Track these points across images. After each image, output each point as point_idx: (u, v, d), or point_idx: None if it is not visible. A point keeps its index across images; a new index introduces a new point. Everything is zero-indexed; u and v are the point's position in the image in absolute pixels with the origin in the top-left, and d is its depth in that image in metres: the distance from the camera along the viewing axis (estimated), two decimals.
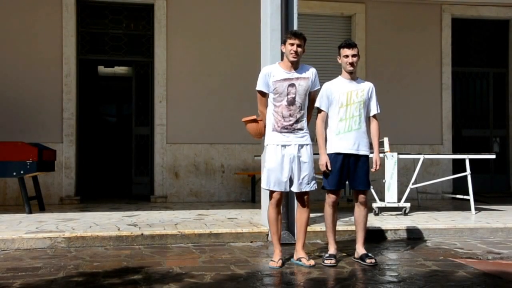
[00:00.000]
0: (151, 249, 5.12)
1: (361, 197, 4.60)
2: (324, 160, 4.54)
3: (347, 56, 4.57)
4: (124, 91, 11.83)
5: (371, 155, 4.64)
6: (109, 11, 8.95)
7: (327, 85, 4.64)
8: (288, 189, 4.47)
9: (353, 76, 4.64)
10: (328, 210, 4.63)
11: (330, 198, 4.61)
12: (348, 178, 4.60)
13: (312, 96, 4.57)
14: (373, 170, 4.63)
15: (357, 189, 4.61)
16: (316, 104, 4.62)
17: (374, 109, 4.68)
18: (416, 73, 9.62)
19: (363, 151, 4.57)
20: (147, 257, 4.76)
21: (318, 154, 4.59)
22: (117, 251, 5.02)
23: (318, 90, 4.62)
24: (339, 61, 4.67)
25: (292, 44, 4.41)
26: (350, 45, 4.59)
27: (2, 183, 8.21)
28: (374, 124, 4.70)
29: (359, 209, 4.63)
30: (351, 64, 4.57)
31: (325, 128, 4.67)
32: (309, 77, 4.49)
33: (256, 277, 4.04)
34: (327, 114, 4.64)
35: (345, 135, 4.54)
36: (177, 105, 8.82)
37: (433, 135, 9.65)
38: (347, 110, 4.55)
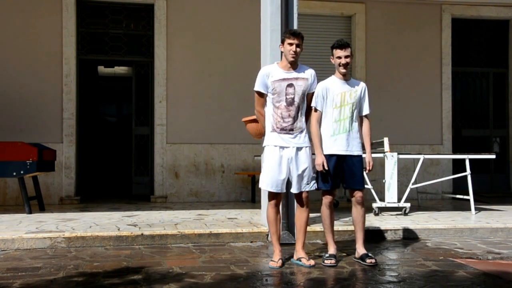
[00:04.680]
0: (151, 249, 5.12)
1: (358, 197, 4.58)
2: (320, 160, 4.50)
3: (339, 58, 4.53)
4: (124, 91, 11.84)
5: (364, 155, 4.64)
6: (109, 11, 8.95)
7: (322, 85, 4.59)
8: (284, 190, 4.47)
9: (346, 76, 4.61)
10: (325, 211, 4.63)
11: (326, 199, 4.61)
12: (343, 178, 4.59)
13: (309, 97, 4.55)
14: (366, 171, 4.63)
15: (353, 188, 4.60)
16: (312, 104, 4.59)
17: (366, 109, 4.67)
18: (416, 73, 9.62)
19: (357, 151, 4.57)
20: (147, 257, 4.76)
21: (314, 154, 4.57)
22: (117, 251, 5.02)
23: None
24: (332, 62, 4.62)
25: (291, 44, 4.38)
26: (343, 45, 4.54)
27: (2, 183, 8.21)
28: (366, 124, 4.68)
29: (356, 209, 4.61)
30: (344, 66, 4.53)
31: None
32: (308, 78, 4.47)
33: (256, 277, 4.04)
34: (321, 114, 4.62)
35: (339, 136, 4.52)
36: (177, 105, 8.82)
37: (433, 135, 9.65)
38: (341, 111, 4.53)
